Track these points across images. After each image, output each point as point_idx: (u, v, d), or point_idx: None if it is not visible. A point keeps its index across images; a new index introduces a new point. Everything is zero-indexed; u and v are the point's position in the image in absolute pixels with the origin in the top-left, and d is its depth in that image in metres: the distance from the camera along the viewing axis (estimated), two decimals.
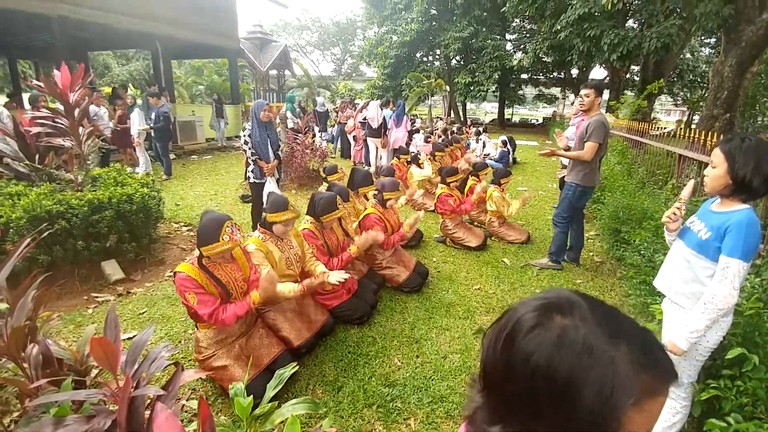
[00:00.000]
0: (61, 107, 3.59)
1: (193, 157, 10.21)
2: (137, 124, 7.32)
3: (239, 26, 12.83)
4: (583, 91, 3.63)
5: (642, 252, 3.01)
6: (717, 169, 1.58)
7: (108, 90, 16.67)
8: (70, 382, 1.48)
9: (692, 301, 1.65)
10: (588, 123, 3.50)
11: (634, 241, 3.24)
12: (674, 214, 1.77)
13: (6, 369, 1.69)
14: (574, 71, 22.44)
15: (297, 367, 1.51)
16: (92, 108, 6.64)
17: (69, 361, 1.81)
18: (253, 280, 2.20)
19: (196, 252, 2.07)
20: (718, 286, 1.53)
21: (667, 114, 45.49)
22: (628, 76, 18.59)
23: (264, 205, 4.16)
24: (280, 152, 4.51)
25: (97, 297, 3.25)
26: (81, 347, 1.84)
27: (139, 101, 9.20)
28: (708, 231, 1.61)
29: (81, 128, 3.76)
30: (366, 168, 8.90)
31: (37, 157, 3.83)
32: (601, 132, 3.45)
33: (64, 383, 1.48)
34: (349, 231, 3.45)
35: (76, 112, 3.62)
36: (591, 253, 4.36)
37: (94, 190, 3.66)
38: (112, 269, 3.56)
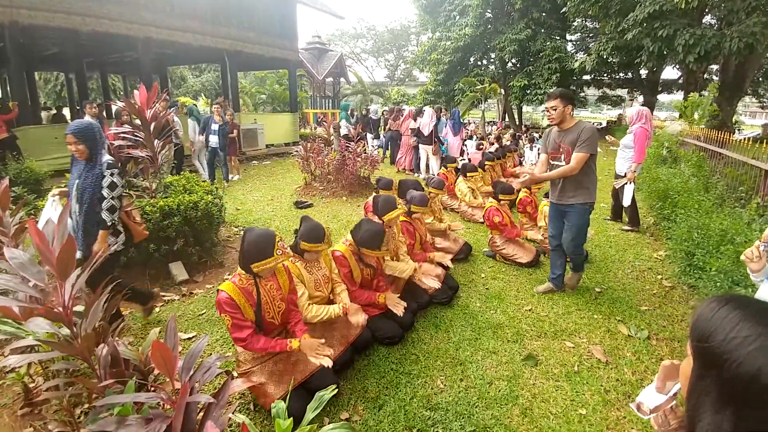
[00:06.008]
0: (139, 122, 3.98)
1: (253, 162, 10.84)
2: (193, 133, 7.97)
3: (299, 38, 13.47)
4: (548, 104, 3.10)
5: (718, 282, 2.69)
6: None
7: (185, 100, 18.27)
8: (133, 384, 1.61)
9: None
10: (581, 129, 3.03)
11: (710, 268, 2.90)
12: (752, 252, 1.56)
13: (78, 369, 1.89)
14: (643, 71, 20.78)
15: (336, 390, 1.52)
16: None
17: (134, 362, 1.98)
18: (292, 300, 2.25)
19: (238, 270, 2.11)
20: None
21: (752, 117, 40.58)
22: (706, 76, 16.85)
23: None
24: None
25: (164, 296, 3.54)
26: (145, 349, 2.01)
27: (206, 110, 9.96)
28: None
29: (156, 140, 4.14)
30: (416, 175, 8.87)
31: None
32: (596, 141, 3.03)
33: (128, 385, 1.62)
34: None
35: (152, 126, 3.99)
36: (660, 276, 3.98)
37: (166, 197, 4.01)
38: (177, 270, 3.86)
